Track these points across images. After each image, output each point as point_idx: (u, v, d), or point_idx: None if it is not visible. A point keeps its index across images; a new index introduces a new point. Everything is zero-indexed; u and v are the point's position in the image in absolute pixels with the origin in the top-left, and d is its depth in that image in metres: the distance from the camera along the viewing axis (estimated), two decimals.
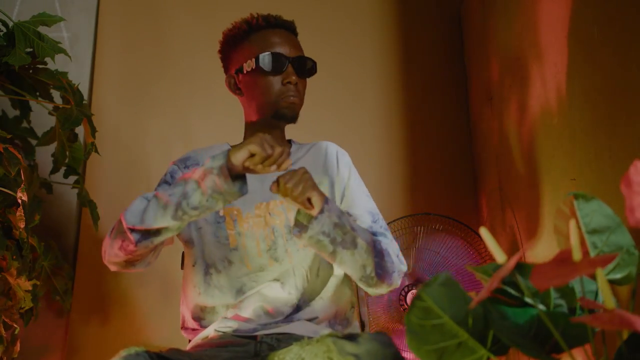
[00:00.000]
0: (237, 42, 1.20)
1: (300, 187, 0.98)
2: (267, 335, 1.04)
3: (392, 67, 2.00)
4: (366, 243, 1.04)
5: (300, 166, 1.19)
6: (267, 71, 1.14)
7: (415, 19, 2.04)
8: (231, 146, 1.00)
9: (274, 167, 0.96)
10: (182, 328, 1.19)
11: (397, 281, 1.11)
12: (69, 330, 1.77)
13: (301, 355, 0.83)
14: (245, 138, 1.24)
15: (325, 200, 0.99)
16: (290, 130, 1.26)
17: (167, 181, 1.19)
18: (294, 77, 1.14)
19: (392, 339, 0.89)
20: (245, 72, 1.17)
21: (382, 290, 1.09)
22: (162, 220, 0.98)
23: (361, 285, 1.09)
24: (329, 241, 0.99)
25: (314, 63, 1.20)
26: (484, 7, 1.75)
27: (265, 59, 1.14)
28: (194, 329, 1.16)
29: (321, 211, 0.98)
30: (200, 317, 1.14)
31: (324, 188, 1.18)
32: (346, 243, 1.01)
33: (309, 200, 0.99)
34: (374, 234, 1.12)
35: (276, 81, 1.15)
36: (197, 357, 0.94)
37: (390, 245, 1.12)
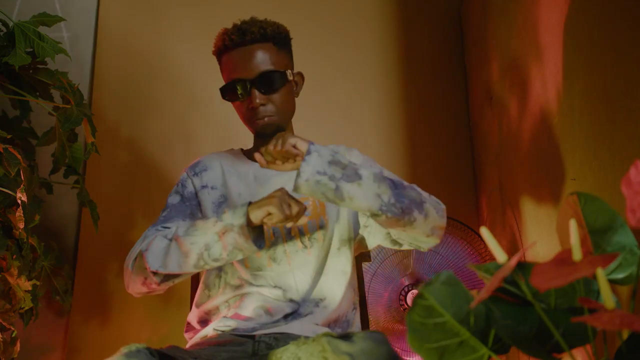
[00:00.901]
0: (218, 60, 1.21)
1: (279, 141, 0.98)
2: (265, 334, 1.05)
3: (392, 67, 2.00)
4: (372, 173, 0.97)
5: None
6: (233, 101, 1.17)
7: (415, 19, 2.04)
8: (250, 203, 1.01)
9: (291, 223, 1.00)
10: (185, 332, 1.20)
11: (438, 217, 1.05)
12: (69, 330, 1.77)
13: (297, 354, 0.83)
14: (254, 144, 1.26)
15: (310, 142, 0.97)
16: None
17: (179, 192, 1.20)
18: (257, 101, 1.13)
19: (386, 337, 0.89)
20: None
21: (428, 230, 1.03)
22: (184, 267, 1.03)
23: (399, 231, 1.02)
24: (327, 179, 0.93)
25: (282, 73, 1.15)
26: (484, 7, 1.75)
27: (226, 90, 1.16)
28: (195, 330, 1.16)
29: (308, 152, 0.94)
30: (207, 319, 1.15)
31: None
32: (348, 176, 0.94)
33: (296, 149, 0.97)
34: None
35: (243, 107, 1.16)
36: (196, 355, 0.95)
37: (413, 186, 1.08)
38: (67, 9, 2.00)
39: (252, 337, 1.05)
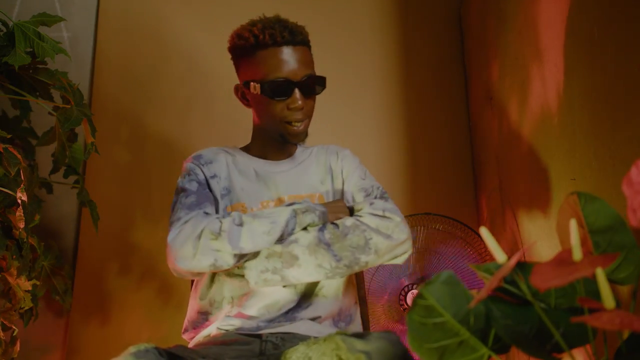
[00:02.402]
0: (244, 53, 1.16)
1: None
2: (271, 334, 1.05)
3: (392, 67, 2.00)
4: (307, 247, 1.04)
5: (304, 168, 1.22)
6: (273, 98, 1.13)
7: (415, 19, 2.04)
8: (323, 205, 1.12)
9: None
10: (184, 332, 1.19)
11: (392, 243, 1.08)
12: (69, 330, 1.77)
13: (308, 354, 0.83)
14: (253, 139, 1.27)
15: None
16: None
17: (194, 179, 1.18)
18: (299, 103, 1.13)
19: (400, 338, 0.89)
20: (252, 90, 1.15)
21: (387, 258, 1.09)
22: (265, 243, 1.04)
23: (347, 272, 1.07)
24: (271, 274, 1.03)
25: (323, 79, 1.17)
26: (484, 7, 1.75)
27: (269, 86, 1.12)
28: (195, 328, 1.16)
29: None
30: (208, 311, 1.14)
31: (327, 185, 1.22)
32: (287, 262, 1.03)
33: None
34: (360, 210, 1.12)
35: (281, 106, 1.14)
36: (204, 354, 0.94)
37: (371, 211, 1.11)
38: (67, 9, 2.00)
39: (259, 336, 1.05)
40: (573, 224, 0.58)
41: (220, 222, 1.04)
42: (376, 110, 1.97)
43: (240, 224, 1.04)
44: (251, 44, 1.13)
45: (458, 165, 1.93)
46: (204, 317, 1.15)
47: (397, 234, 1.08)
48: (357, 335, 0.85)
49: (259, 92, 1.13)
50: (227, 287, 1.12)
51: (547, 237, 1.29)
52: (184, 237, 1.03)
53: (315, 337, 0.90)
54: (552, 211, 1.26)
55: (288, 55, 1.12)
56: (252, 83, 1.14)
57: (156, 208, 1.86)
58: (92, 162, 1.88)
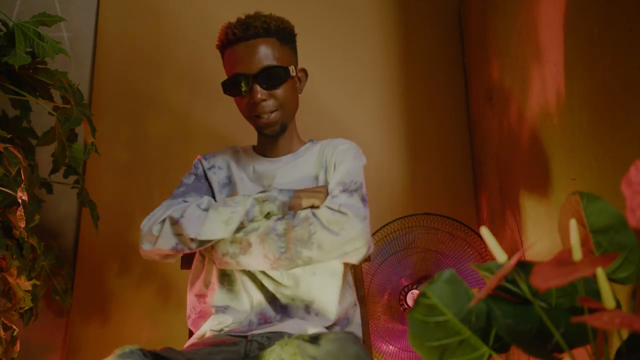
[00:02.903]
0: (222, 54, 1.23)
1: None
2: (258, 334, 1.05)
3: (392, 67, 2.00)
4: (259, 235, 1.05)
5: (302, 162, 1.24)
6: (235, 96, 1.18)
7: (415, 19, 2.04)
8: (297, 189, 1.11)
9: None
10: (188, 318, 1.21)
11: (339, 240, 1.02)
12: (69, 330, 1.77)
13: (281, 355, 0.84)
14: (258, 140, 1.29)
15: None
16: None
17: (193, 173, 1.26)
18: (258, 96, 1.14)
19: (355, 337, 0.91)
20: None
21: (335, 255, 1.03)
22: (223, 233, 1.05)
23: (290, 264, 1.05)
24: (229, 257, 1.07)
25: (284, 69, 1.16)
26: (484, 7, 1.75)
27: (227, 84, 1.17)
28: (196, 314, 1.18)
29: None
30: (204, 293, 1.17)
31: (321, 179, 1.21)
32: (242, 249, 1.05)
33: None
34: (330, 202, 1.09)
35: (245, 102, 1.18)
36: (190, 356, 0.95)
37: (327, 204, 1.07)
38: (67, 9, 2.00)
39: (246, 337, 1.06)
40: (573, 224, 0.58)
41: (186, 207, 1.09)
42: (376, 110, 1.97)
43: (206, 209, 1.08)
44: (222, 46, 1.20)
45: (458, 165, 1.93)
46: (200, 299, 1.17)
47: (346, 231, 1.02)
48: (313, 339, 0.87)
49: (224, 92, 1.19)
50: (215, 270, 1.15)
51: (547, 237, 1.30)
52: (152, 222, 1.09)
53: (287, 337, 0.91)
54: (552, 211, 1.27)
55: (241, 52, 1.15)
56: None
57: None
58: (92, 162, 1.88)
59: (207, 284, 1.16)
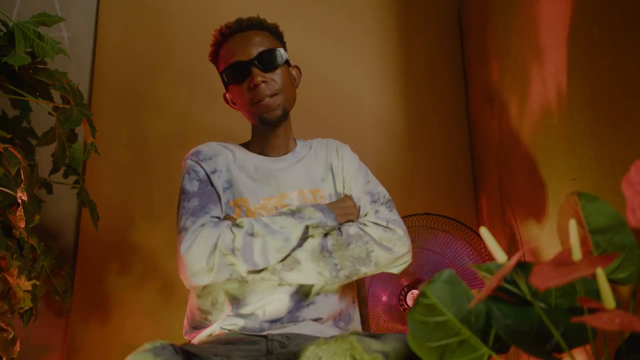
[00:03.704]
0: (215, 60, 1.25)
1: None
2: (276, 334, 1.04)
3: (392, 67, 2.00)
4: (310, 252, 1.05)
5: (305, 163, 1.23)
6: (235, 83, 1.19)
7: (415, 19, 2.04)
8: (331, 207, 1.12)
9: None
10: (185, 334, 1.19)
11: (392, 256, 1.09)
12: (69, 330, 1.77)
13: (318, 354, 0.82)
14: (252, 136, 1.28)
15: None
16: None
17: (195, 178, 1.18)
18: (258, 78, 1.15)
19: None
20: (227, 87, 1.24)
21: (386, 269, 1.10)
22: (276, 260, 1.05)
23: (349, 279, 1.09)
24: (269, 274, 1.05)
25: (280, 51, 1.19)
26: (484, 7, 1.75)
27: (227, 73, 1.19)
28: (195, 329, 1.15)
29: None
30: (209, 311, 1.13)
31: (329, 182, 1.22)
32: (288, 266, 1.05)
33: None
34: (365, 216, 1.14)
35: (244, 89, 1.18)
36: (215, 352, 0.94)
37: (375, 221, 1.12)
38: (67, 9, 2.00)
39: (264, 336, 1.04)
40: (572, 224, 0.58)
41: (233, 233, 1.05)
42: (376, 110, 1.97)
43: (252, 234, 1.05)
44: (214, 50, 1.23)
45: (458, 165, 1.93)
46: (203, 316, 1.14)
47: (399, 247, 1.10)
48: (372, 336, 0.84)
49: (226, 83, 1.21)
50: (226, 286, 1.12)
51: (547, 237, 1.30)
52: (197, 253, 1.04)
53: (323, 338, 0.89)
54: (552, 211, 1.27)
55: (237, 42, 1.19)
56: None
57: (156, 208, 1.86)
58: (92, 162, 1.88)
59: (213, 303, 1.13)
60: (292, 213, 1.09)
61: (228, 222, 1.09)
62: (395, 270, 1.12)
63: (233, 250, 1.03)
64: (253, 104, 1.18)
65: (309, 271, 1.05)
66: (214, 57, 1.25)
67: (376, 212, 1.13)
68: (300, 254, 1.05)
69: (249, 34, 1.19)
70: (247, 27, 1.20)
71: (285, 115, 1.21)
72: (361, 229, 1.09)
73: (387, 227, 1.10)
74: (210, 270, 1.03)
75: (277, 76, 1.18)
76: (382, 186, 1.22)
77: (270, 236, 1.04)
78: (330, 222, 1.09)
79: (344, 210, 1.13)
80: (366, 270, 1.08)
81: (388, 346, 0.80)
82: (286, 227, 1.06)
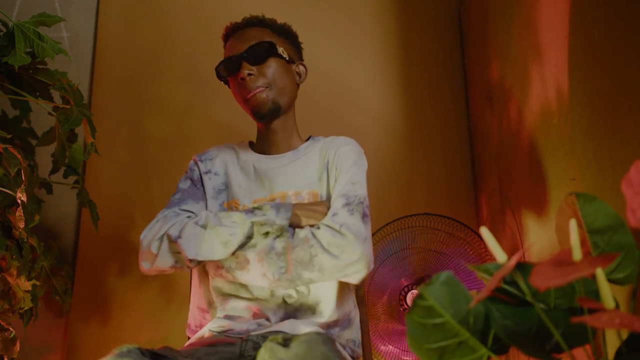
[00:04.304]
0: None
1: None
2: (254, 334, 1.04)
3: (392, 67, 2.00)
4: (257, 252, 1.03)
5: (304, 162, 1.21)
6: (228, 78, 1.21)
7: (415, 19, 2.04)
8: (294, 205, 1.10)
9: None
10: (188, 327, 1.20)
11: (340, 263, 1.01)
12: (69, 330, 1.77)
13: (264, 357, 0.84)
14: (257, 136, 1.27)
15: None
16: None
17: (189, 177, 1.23)
18: (245, 71, 1.15)
19: (326, 337, 0.91)
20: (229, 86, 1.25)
21: (335, 276, 1.03)
22: (220, 255, 1.04)
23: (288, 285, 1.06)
24: (225, 271, 1.06)
25: (270, 43, 1.18)
26: (484, 7, 1.75)
27: (219, 69, 1.21)
28: (196, 325, 1.17)
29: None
30: (205, 309, 1.15)
31: (324, 182, 1.19)
32: (240, 264, 1.05)
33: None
34: (332, 218, 1.06)
35: (236, 83, 1.19)
36: (187, 355, 0.95)
37: (328, 224, 1.05)
38: (67, 9, 2.00)
39: (240, 338, 1.04)
40: (572, 224, 0.58)
41: (184, 224, 1.07)
42: (376, 110, 1.97)
43: (203, 227, 1.05)
44: (225, 40, 1.25)
45: (458, 165, 1.93)
46: (202, 315, 1.16)
47: (347, 255, 1.01)
48: (285, 342, 0.86)
49: (222, 81, 1.23)
50: (215, 284, 1.13)
51: (547, 237, 1.29)
52: (150, 238, 1.09)
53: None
54: (552, 211, 1.26)
55: (234, 39, 1.21)
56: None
57: (156, 208, 1.85)
58: (92, 162, 1.88)
59: (209, 302, 1.15)
60: (251, 210, 1.08)
61: (190, 214, 1.11)
62: (351, 279, 1.04)
63: (178, 239, 1.04)
64: (247, 100, 1.17)
65: (256, 271, 1.03)
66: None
67: (334, 214, 1.06)
68: (250, 254, 1.03)
69: (246, 31, 1.20)
70: (245, 25, 1.21)
71: (277, 109, 1.18)
72: (312, 232, 1.04)
73: (337, 232, 1.02)
74: (156, 256, 1.06)
75: (267, 69, 1.16)
76: (364, 189, 1.14)
77: (219, 228, 1.04)
78: (280, 221, 1.04)
79: (310, 213, 1.08)
80: (310, 275, 1.02)
81: (290, 352, 0.81)
82: (235, 223, 1.05)
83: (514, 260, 0.57)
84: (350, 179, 1.14)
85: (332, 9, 2.04)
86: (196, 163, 1.24)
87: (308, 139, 1.28)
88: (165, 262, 1.06)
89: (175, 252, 1.06)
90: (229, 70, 1.19)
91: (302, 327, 1.06)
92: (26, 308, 1.38)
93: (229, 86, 1.25)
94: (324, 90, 1.94)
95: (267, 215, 1.05)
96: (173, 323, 1.77)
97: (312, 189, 1.17)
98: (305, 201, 1.15)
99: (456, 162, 1.93)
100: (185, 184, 1.21)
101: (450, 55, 2.01)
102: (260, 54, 1.16)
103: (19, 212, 1.26)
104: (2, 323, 1.33)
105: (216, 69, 1.21)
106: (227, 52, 1.22)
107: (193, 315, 1.18)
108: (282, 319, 1.09)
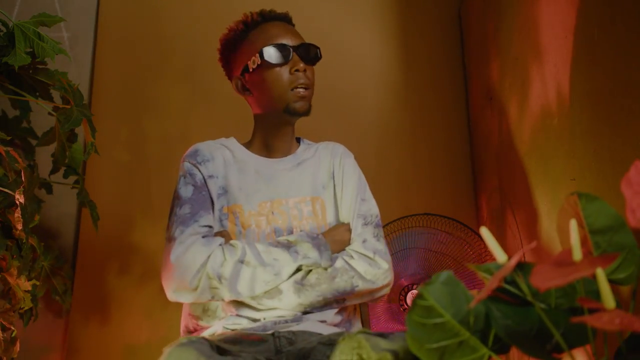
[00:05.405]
0: (236, 43, 1.21)
1: None
2: (283, 331, 1.02)
3: (392, 67, 2.00)
4: (293, 284, 1.06)
5: (307, 167, 1.21)
6: (273, 63, 1.15)
7: (416, 19, 2.04)
8: (328, 241, 1.12)
9: None
10: (184, 334, 1.18)
11: (374, 289, 1.10)
12: (69, 330, 1.77)
13: (325, 352, 0.82)
14: (254, 133, 1.26)
15: None
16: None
17: (190, 182, 1.15)
18: (301, 65, 1.15)
19: None
20: (251, 70, 1.18)
21: (366, 299, 1.12)
22: (261, 290, 1.05)
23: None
24: (256, 303, 1.07)
25: (318, 49, 1.20)
26: (484, 7, 1.75)
27: (269, 51, 1.15)
28: (190, 332, 1.15)
29: None
30: (200, 317, 1.13)
31: (330, 191, 1.19)
32: (270, 295, 1.06)
33: None
34: (353, 244, 1.13)
35: (284, 71, 1.16)
36: (227, 349, 0.93)
37: (362, 251, 1.12)
38: (67, 9, 2.00)
39: (271, 334, 1.02)
40: (573, 224, 0.58)
41: (224, 257, 1.04)
42: (376, 110, 1.97)
43: (243, 262, 1.04)
44: (242, 30, 1.20)
45: (458, 165, 1.93)
46: (194, 321, 1.14)
47: (381, 281, 1.10)
48: (381, 335, 0.82)
49: (259, 63, 1.16)
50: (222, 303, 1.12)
51: (547, 237, 1.29)
52: (184, 270, 1.03)
53: (323, 335, 0.89)
54: (552, 211, 1.27)
55: (280, 27, 1.19)
56: (252, 59, 1.17)
57: (156, 208, 1.86)
58: (92, 162, 1.88)
59: (205, 310, 1.13)
60: (288, 246, 1.07)
61: (221, 240, 1.07)
62: (376, 298, 1.14)
63: (220, 277, 1.02)
64: (288, 90, 1.15)
65: (290, 301, 1.06)
66: (242, 34, 1.21)
67: (364, 241, 1.13)
68: (283, 285, 1.06)
69: (288, 25, 1.21)
70: (285, 19, 1.22)
71: (308, 113, 1.19)
72: (347, 262, 1.09)
73: (372, 260, 1.10)
74: (194, 290, 1.03)
75: (311, 72, 1.19)
76: (374, 203, 1.20)
77: (261, 268, 1.04)
78: (325, 263, 1.08)
79: (340, 246, 1.13)
80: (347, 300, 1.09)
81: (397, 345, 0.75)
82: (279, 261, 1.05)
83: (514, 260, 0.57)
84: (361, 197, 1.19)
85: (331, 9, 2.04)
86: (195, 166, 1.17)
87: (297, 141, 1.28)
88: (203, 298, 1.05)
89: (214, 288, 1.03)
90: (280, 56, 1.15)
91: (329, 329, 1.06)
92: (26, 308, 1.38)
93: (244, 72, 1.20)
94: (323, 90, 1.94)
95: (312, 258, 1.07)
96: (172, 323, 1.77)
97: (317, 196, 1.18)
98: (308, 208, 1.16)
99: (456, 162, 1.93)
100: (187, 192, 1.14)
101: (451, 55, 2.01)
102: (311, 56, 1.18)
103: (17, 213, 1.26)
104: (4, 322, 1.33)
105: (262, 54, 1.14)
106: (269, 36, 1.17)
107: (186, 320, 1.16)
108: (295, 319, 1.08)
